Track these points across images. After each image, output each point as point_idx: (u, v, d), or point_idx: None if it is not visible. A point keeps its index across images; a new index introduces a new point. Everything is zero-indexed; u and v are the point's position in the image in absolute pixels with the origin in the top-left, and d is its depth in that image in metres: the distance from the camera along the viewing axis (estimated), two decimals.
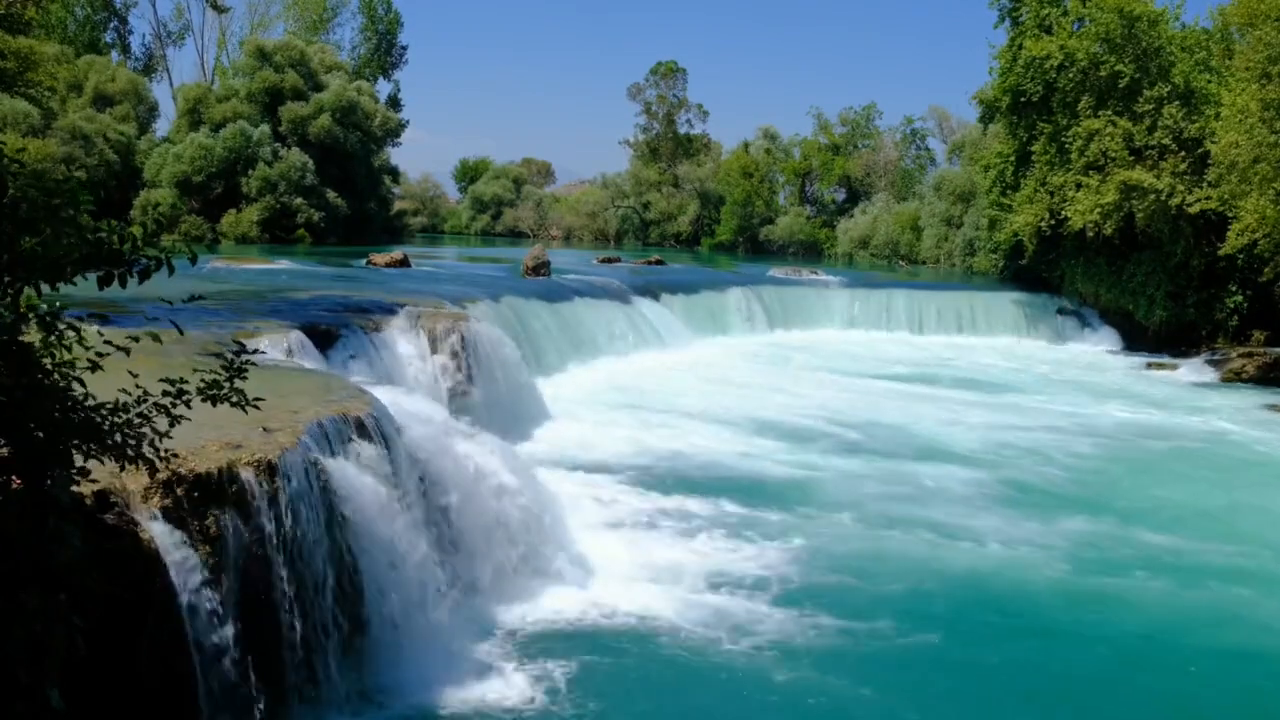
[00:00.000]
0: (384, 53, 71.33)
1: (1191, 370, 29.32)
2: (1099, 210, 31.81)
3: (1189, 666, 9.94)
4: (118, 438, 5.10)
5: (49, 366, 4.91)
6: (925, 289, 37.68)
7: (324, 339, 14.96)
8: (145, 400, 5.34)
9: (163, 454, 5.40)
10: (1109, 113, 32.45)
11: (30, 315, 4.79)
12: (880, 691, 8.96)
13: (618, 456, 16.35)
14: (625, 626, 9.96)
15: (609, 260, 42.67)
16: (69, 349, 4.95)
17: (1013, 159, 36.77)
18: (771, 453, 17.23)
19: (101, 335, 5.12)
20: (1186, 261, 32.23)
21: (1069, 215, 32.71)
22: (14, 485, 4.80)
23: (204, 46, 70.24)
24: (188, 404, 5.45)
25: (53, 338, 4.86)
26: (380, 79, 69.84)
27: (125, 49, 65.08)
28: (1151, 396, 25.22)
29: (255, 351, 6.04)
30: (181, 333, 5.87)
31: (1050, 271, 36.71)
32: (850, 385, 24.65)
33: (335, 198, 49.49)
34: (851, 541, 12.81)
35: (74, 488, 5.06)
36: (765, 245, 63.93)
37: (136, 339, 5.17)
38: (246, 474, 7.31)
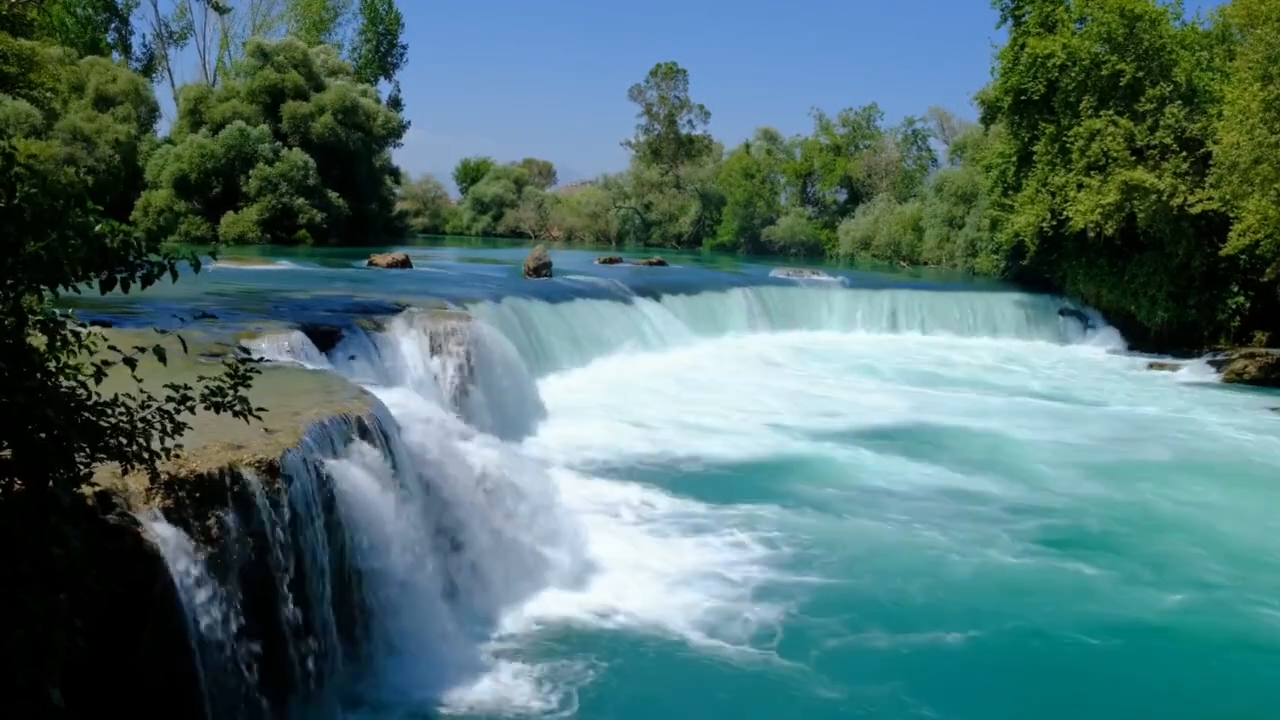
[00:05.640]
0: (385, 53, 71.32)
1: (1193, 371, 29.31)
2: (1100, 210, 31.80)
3: (1183, 665, 9.96)
4: (121, 440, 5.11)
5: (52, 369, 4.92)
6: (927, 290, 37.66)
7: (325, 339, 14.98)
8: (149, 406, 5.34)
9: (171, 455, 5.42)
10: (1110, 112, 32.45)
11: (32, 320, 4.80)
12: (882, 690, 8.96)
13: (619, 457, 16.36)
14: (625, 627, 9.97)
15: (610, 261, 42.64)
16: (74, 353, 4.97)
17: (1014, 159, 36.75)
18: (775, 453, 17.23)
19: (105, 340, 5.13)
20: (1188, 262, 32.22)
21: (1070, 216, 32.71)
22: (16, 487, 4.81)
23: (205, 47, 70.33)
24: (191, 410, 5.46)
25: (57, 342, 4.87)
26: (381, 79, 69.90)
27: (126, 49, 65.03)
28: (1153, 397, 25.20)
29: (260, 360, 6.05)
30: (185, 349, 5.87)
31: (1052, 272, 36.70)
32: (852, 384, 24.66)
33: (337, 198, 49.46)
34: (855, 541, 12.80)
35: (76, 489, 5.07)
36: (767, 246, 63.86)
37: (142, 349, 5.18)
38: (248, 474, 7.32)
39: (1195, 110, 31.99)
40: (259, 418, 5.78)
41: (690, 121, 75.49)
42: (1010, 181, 37.00)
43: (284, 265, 30.34)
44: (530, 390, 18.43)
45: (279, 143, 48.89)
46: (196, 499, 6.91)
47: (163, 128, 54.58)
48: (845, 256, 60.36)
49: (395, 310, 17.42)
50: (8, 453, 4.80)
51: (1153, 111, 32.07)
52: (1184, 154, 31.44)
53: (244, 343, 12.80)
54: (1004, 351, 32.45)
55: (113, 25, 64.74)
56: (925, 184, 60.15)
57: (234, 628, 6.91)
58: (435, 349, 16.39)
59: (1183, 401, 24.68)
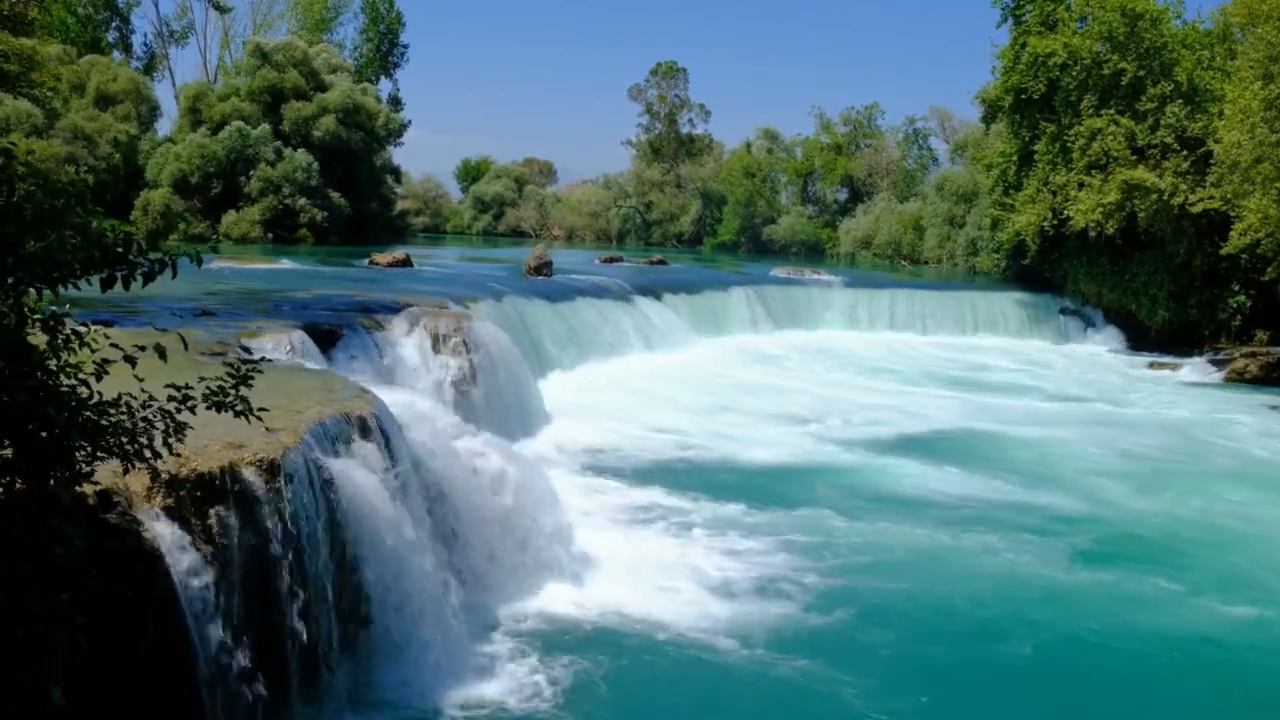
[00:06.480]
0: (386, 52, 71.31)
1: (1194, 370, 29.31)
2: (1101, 210, 31.81)
3: (1176, 665, 9.95)
4: (122, 439, 5.11)
5: (54, 368, 4.91)
6: (928, 289, 37.67)
7: (326, 339, 14.98)
8: (150, 405, 5.34)
9: (172, 453, 5.41)
10: (1111, 112, 32.45)
11: (33, 318, 4.79)
12: (881, 691, 8.94)
13: (619, 456, 16.36)
14: (625, 624, 9.95)
15: (611, 260, 42.63)
16: (75, 351, 4.96)
17: (1015, 158, 36.76)
18: (776, 453, 17.20)
19: (108, 338, 5.13)
20: (1189, 261, 32.22)
21: (1071, 215, 32.72)
22: (17, 486, 4.81)
23: (206, 46, 70.25)
24: (192, 410, 5.46)
25: (58, 341, 4.87)
26: (382, 78, 69.88)
27: (127, 48, 65.03)
28: (1153, 397, 25.18)
29: (262, 359, 6.05)
30: (185, 346, 5.86)
31: (1053, 271, 36.71)
32: (858, 384, 24.65)
33: (338, 198, 49.46)
34: (856, 542, 12.78)
35: (77, 489, 5.07)
36: (767, 245, 63.85)
37: (143, 348, 5.17)
38: (249, 473, 7.32)
39: (1196, 109, 31.99)
40: (259, 418, 5.77)
41: (691, 121, 75.66)
42: (1011, 181, 37.01)
43: (285, 264, 30.31)
44: (531, 389, 18.42)
45: (279, 143, 48.92)
46: (197, 498, 6.91)
47: (164, 127, 54.65)
48: (846, 256, 60.35)
49: (396, 309, 17.42)
50: (8, 452, 4.80)
51: (1154, 110, 32.07)
52: (1185, 153, 31.43)
53: (245, 342, 12.79)
54: (1005, 351, 32.43)
55: (113, 24, 64.73)
56: (926, 183, 60.17)
57: (234, 627, 6.91)
58: (436, 348, 16.38)
59: (1184, 401, 24.63)
